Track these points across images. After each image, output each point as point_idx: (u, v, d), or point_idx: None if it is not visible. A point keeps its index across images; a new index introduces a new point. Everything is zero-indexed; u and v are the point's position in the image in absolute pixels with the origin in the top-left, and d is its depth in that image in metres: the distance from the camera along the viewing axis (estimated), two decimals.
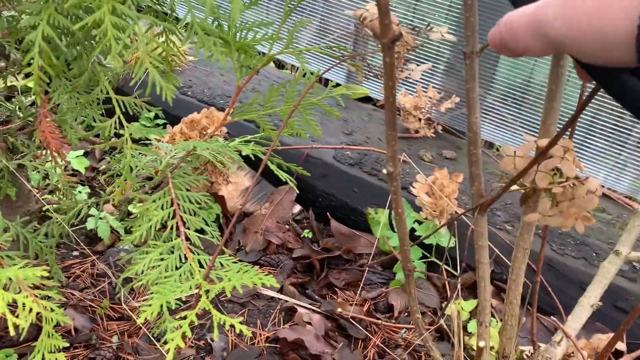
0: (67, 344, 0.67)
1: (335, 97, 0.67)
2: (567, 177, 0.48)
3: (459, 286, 0.82)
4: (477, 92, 0.57)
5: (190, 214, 0.66)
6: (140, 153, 0.77)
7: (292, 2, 0.58)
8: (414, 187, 0.97)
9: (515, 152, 0.51)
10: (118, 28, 0.51)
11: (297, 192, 0.99)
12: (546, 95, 0.54)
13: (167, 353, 0.45)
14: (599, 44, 0.25)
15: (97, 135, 1.28)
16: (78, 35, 0.61)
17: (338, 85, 1.63)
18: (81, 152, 1.21)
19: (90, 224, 1.01)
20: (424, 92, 1.32)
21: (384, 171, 0.95)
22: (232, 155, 0.63)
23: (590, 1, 0.25)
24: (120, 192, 0.68)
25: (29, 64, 0.53)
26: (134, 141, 1.10)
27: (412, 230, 1.02)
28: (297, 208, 1.17)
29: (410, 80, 1.44)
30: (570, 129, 0.60)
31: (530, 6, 0.29)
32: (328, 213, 1.15)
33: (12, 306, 0.60)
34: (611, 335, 0.69)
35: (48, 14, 0.53)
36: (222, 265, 0.58)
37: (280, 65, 1.84)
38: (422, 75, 1.43)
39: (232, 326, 0.48)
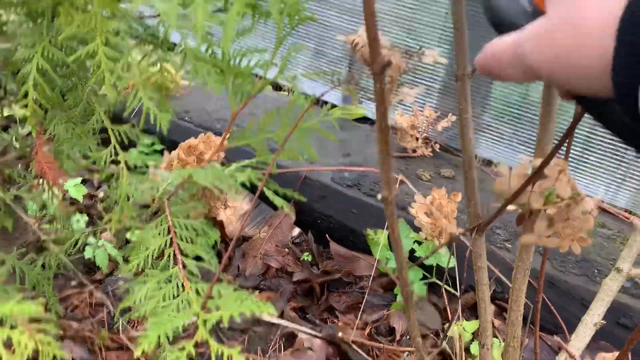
0: None
1: (332, 120, 0.67)
2: (562, 197, 0.48)
3: (459, 308, 0.81)
4: (470, 113, 0.58)
5: (188, 242, 0.66)
6: (137, 181, 0.77)
7: (285, 27, 0.59)
8: (412, 208, 0.97)
9: (510, 172, 0.51)
10: (112, 59, 0.51)
11: (295, 216, 0.99)
12: (540, 115, 0.54)
13: None
14: (578, 76, 0.25)
15: (95, 162, 1.29)
16: (72, 66, 0.61)
17: (334, 106, 1.63)
18: (79, 180, 1.21)
19: (88, 253, 1.00)
20: (421, 111, 1.33)
21: (379, 196, 0.95)
22: (229, 182, 0.63)
23: (564, 35, 0.25)
24: (116, 222, 0.68)
25: (25, 96, 0.53)
26: (131, 168, 1.11)
27: (412, 251, 1.01)
28: (297, 231, 1.17)
29: (409, 104, 1.45)
30: (567, 145, 0.60)
31: (511, 35, 0.29)
32: (327, 235, 1.14)
33: (9, 341, 0.59)
34: (616, 353, 0.68)
35: (42, 47, 0.53)
36: (220, 293, 0.57)
37: (277, 87, 1.85)
38: (418, 94, 1.43)
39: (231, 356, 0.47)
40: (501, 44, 0.30)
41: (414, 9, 1.36)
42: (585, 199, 0.50)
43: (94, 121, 0.65)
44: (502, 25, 0.33)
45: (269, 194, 0.63)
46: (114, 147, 0.64)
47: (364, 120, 1.57)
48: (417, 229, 1.00)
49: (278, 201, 0.62)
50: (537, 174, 0.47)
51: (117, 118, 1.29)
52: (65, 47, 0.55)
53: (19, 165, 0.75)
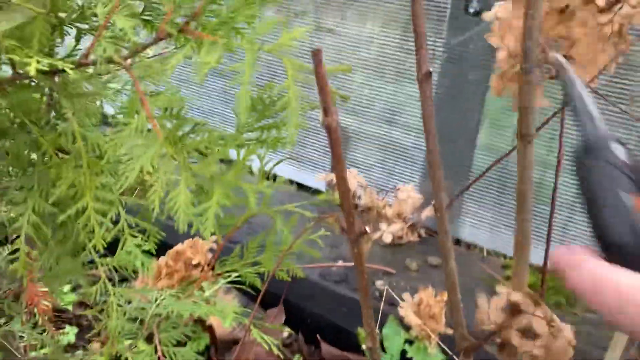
0: None
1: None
2: (539, 334, 0.49)
3: None
4: (451, 241, 0.60)
5: None
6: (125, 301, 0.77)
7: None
8: (401, 307, 0.98)
9: (489, 304, 0.53)
10: (100, 213, 0.53)
11: (285, 316, 0.99)
12: (516, 208, 0.56)
13: None
14: None
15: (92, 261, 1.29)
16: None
17: (319, 192, 1.67)
18: (69, 286, 1.21)
19: None
20: (406, 190, 1.36)
21: (364, 346, 0.97)
22: (215, 312, 0.64)
23: None
24: (107, 356, 0.68)
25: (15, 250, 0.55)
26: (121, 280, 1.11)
27: (403, 352, 1.01)
28: (287, 332, 1.17)
29: (391, 188, 1.48)
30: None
31: (629, 278, 0.28)
32: (318, 335, 1.14)
33: None
34: None
35: (33, 202, 0.55)
36: None
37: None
38: (400, 181, 1.47)
39: None
40: (611, 280, 0.28)
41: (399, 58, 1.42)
42: (563, 330, 0.52)
43: (84, 256, 0.67)
44: (611, 246, 0.30)
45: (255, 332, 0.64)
46: (104, 283, 0.65)
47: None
48: (408, 326, 1.00)
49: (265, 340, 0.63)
50: (516, 312, 0.49)
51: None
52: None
53: (9, 297, 0.75)
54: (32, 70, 0.39)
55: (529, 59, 0.49)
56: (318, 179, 1.26)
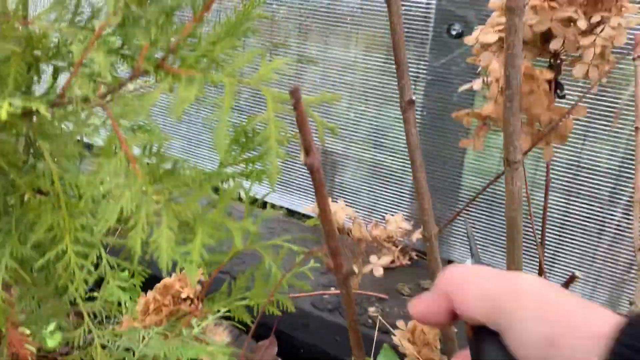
0: None
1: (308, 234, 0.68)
2: None
3: None
4: (441, 267, 0.59)
5: None
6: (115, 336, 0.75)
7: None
8: (394, 335, 0.96)
9: None
10: (81, 255, 0.51)
11: (277, 347, 0.97)
12: (506, 236, 0.55)
13: None
14: None
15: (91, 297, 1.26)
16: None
17: (309, 217, 1.65)
18: (53, 325, 1.18)
19: None
20: (394, 220, 1.35)
21: None
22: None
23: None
24: None
25: None
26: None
27: None
28: None
29: (380, 211, 1.48)
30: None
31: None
32: None
33: None
34: None
35: (11, 247, 0.53)
36: None
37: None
38: (389, 203, 1.46)
39: None
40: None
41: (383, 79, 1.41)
42: None
43: (66, 299, 0.65)
44: None
45: None
46: (87, 325, 0.63)
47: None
48: (403, 354, 0.98)
49: None
50: None
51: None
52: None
53: None
54: (2, 114, 0.38)
55: (511, 85, 0.48)
56: (306, 210, 1.25)
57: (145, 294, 1.10)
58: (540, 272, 0.72)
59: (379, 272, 1.11)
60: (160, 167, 0.41)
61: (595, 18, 0.57)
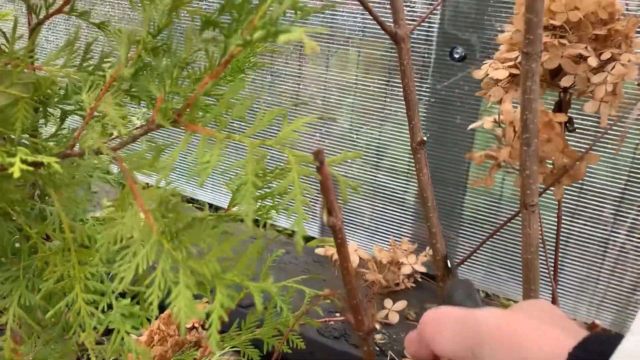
0: None
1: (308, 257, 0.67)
2: None
3: None
4: None
5: None
6: None
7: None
8: None
9: None
10: (91, 304, 0.51)
11: None
12: (522, 278, 0.55)
13: None
14: None
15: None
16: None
17: (311, 238, 1.64)
18: None
19: None
20: (398, 244, 1.34)
21: None
22: None
23: None
24: None
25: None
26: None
27: None
28: None
29: (382, 232, 1.47)
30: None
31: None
32: None
33: None
34: None
35: (19, 294, 0.52)
36: None
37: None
38: (393, 226, 1.46)
39: None
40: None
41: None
42: None
43: (73, 342, 0.64)
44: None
45: None
46: None
47: None
48: None
49: None
50: None
51: None
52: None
53: None
54: (15, 172, 0.37)
55: (528, 129, 0.48)
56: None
57: (149, 322, 1.09)
58: (554, 303, 0.71)
59: (394, 318, 1.11)
60: (176, 222, 0.40)
61: (606, 55, 0.57)
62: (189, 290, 0.38)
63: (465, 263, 1.40)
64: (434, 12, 1.17)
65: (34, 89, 0.52)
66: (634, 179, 1.10)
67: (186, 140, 0.38)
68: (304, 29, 0.29)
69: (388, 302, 1.17)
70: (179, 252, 0.39)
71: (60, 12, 0.57)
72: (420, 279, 1.38)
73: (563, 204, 1.17)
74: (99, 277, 0.51)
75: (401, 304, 1.13)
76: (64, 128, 0.57)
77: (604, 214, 1.16)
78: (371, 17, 0.54)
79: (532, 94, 0.47)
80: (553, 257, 0.69)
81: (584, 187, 1.15)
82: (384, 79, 1.34)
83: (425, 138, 0.55)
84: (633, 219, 1.14)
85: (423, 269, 1.14)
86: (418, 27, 1.20)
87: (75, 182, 0.48)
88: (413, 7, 1.19)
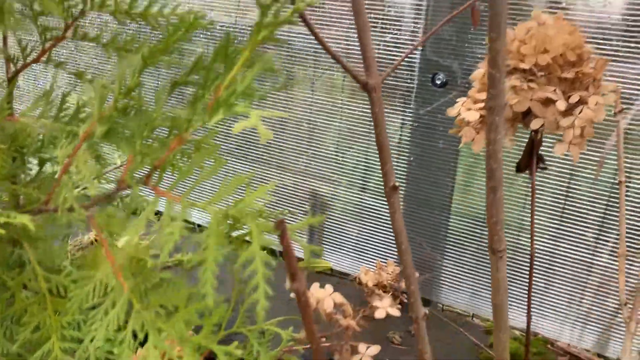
0: None
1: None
2: None
3: None
4: (429, 351, 0.59)
5: None
6: None
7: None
8: None
9: None
10: (68, 352, 0.51)
11: None
12: (493, 323, 0.56)
13: None
14: None
15: None
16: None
17: (299, 259, 1.64)
18: None
19: None
20: (384, 266, 1.35)
21: None
22: None
23: None
24: None
25: None
26: None
27: None
28: None
29: (368, 253, 1.48)
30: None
31: None
32: None
33: None
34: None
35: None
36: None
37: None
38: (378, 250, 1.47)
39: None
40: None
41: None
42: None
43: None
44: None
45: None
46: None
47: (330, 271, 1.58)
48: None
49: None
50: None
51: None
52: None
53: None
54: None
55: (495, 178, 0.49)
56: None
57: None
58: (528, 323, 0.72)
59: None
60: (145, 282, 0.41)
61: (574, 98, 0.59)
62: (156, 351, 0.39)
63: (451, 285, 1.41)
64: (415, 37, 1.19)
65: (11, 140, 0.53)
66: (613, 204, 1.11)
67: (154, 205, 0.39)
68: (259, 112, 0.30)
69: (362, 347, 1.17)
70: (148, 312, 0.40)
71: (37, 62, 0.58)
72: (406, 300, 1.38)
73: (545, 227, 1.19)
74: (75, 325, 0.52)
75: (375, 349, 1.13)
76: (43, 171, 0.58)
77: (585, 238, 1.18)
78: (356, 43, 0.55)
79: (497, 145, 0.48)
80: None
81: (565, 211, 1.17)
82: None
83: (397, 184, 0.56)
84: (614, 242, 1.15)
85: (397, 313, 1.13)
86: (401, 54, 1.22)
87: (51, 235, 0.49)
88: (397, 34, 1.20)
